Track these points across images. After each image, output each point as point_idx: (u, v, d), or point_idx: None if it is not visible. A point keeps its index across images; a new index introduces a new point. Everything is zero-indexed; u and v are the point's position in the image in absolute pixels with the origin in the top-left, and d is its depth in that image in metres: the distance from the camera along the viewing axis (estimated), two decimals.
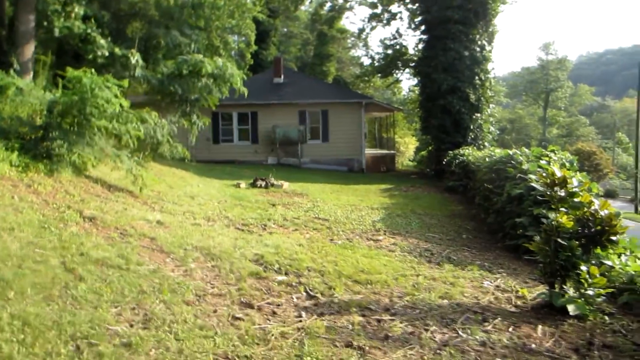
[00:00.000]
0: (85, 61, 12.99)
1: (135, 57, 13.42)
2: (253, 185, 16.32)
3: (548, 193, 6.11)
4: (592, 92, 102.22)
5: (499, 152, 14.01)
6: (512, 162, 11.29)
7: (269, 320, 4.63)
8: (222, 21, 40.15)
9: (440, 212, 13.70)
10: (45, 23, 13.58)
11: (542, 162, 10.69)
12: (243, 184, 16.26)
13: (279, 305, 5.10)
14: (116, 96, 9.69)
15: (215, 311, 4.69)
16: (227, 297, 5.12)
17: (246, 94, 15.29)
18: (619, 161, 69.52)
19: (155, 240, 6.71)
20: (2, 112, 9.75)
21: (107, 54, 13.06)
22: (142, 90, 16.05)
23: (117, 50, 13.30)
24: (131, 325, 4.07)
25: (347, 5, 39.92)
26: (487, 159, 13.69)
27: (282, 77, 29.04)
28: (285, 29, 62.62)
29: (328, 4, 42.11)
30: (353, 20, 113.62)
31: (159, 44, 17.05)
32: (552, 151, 11.59)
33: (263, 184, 16.31)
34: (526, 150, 12.30)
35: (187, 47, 16.31)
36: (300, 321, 4.66)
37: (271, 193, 15.07)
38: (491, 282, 6.73)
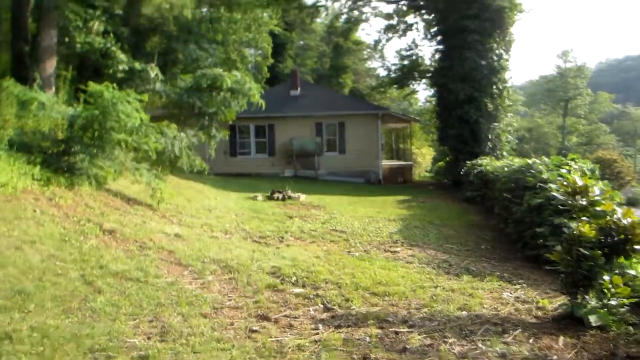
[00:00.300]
0: (106, 76, 13.20)
1: (155, 72, 13.61)
2: (270, 197, 16.37)
3: (569, 202, 6.04)
4: (612, 99, 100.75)
5: (517, 161, 13.87)
6: (532, 171, 11.17)
7: (286, 333, 4.62)
8: (239, 35, 40.67)
9: (458, 223, 13.58)
10: (66, 39, 13.88)
11: (562, 170, 10.59)
12: (260, 197, 16.32)
13: (295, 317, 5.09)
14: (137, 110, 9.84)
15: (232, 324, 4.69)
16: (244, 310, 5.12)
17: (263, 107, 15.37)
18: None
19: (173, 253, 6.76)
20: (25, 127, 9.94)
21: (126, 68, 13.27)
22: (160, 104, 16.25)
23: (136, 64, 13.52)
24: (149, 338, 4.10)
25: (363, 17, 40.05)
26: (505, 169, 13.56)
27: (299, 89, 29.17)
28: (302, 42, 62.99)
29: (344, 16, 42.27)
30: (369, 31, 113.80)
31: (177, 58, 17.30)
32: (573, 160, 11.44)
33: (280, 196, 16.34)
34: (545, 159, 12.17)
35: (205, 61, 16.50)
36: (317, 334, 4.64)
37: (288, 205, 15.09)
38: (511, 293, 6.64)
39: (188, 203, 12.62)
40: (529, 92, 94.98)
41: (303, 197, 17.01)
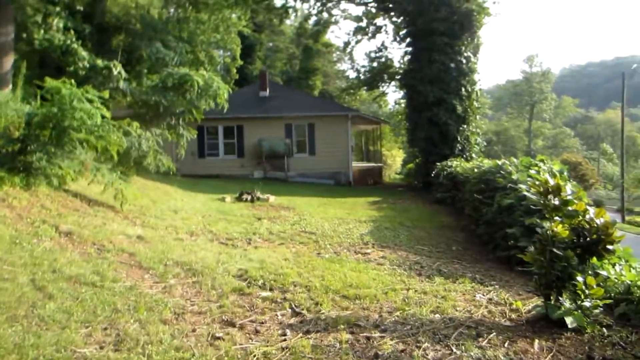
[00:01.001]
0: (67, 74, 12.67)
1: (118, 69, 13.14)
2: (239, 199, 16.04)
3: (541, 202, 5.89)
4: (575, 104, 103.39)
5: (487, 162, 13.88)
6: (502, 172, 11.16)
7: (251, 340, 4.35)
8: (207, 35, 40.15)
9: (429, 225, 13.50)
10: (24, 35, 13.29)
11: (532, 171, 10.58)
12: (228, 198, 15.98)
13: (262, 322, 4.82)
14: (97, 108, 9.43)
15: (194, 330, 4.40)
16: (208, 315, 4.83)
17: (226, 108, 15.05)
18: (604, 171, 70.03)
19: (134, 255, 6.42)
20: None
21: (88, 65, 12.77)
22: (125, 103, 15.77)
23: (99, 62, 13.02)
24: (101, 347, 3.78)
25: (332, 19, 39.97)
26: (475, 170, 13.54)
27: (268, 90, 28.87)
28: (271, 44, 62.72)
29: (313, 18, 42.13)
30: (338, 34, 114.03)
31: (142, 56, 16.78)
32: (541, 161, 11.46)
33: (249, 197, 16.03)
34: (515, 160, 12.17)
35: (172, 60, 16.07)
36: (285, 340, 4.38)
37: (257, 207, 14.80)
38: (484, 295, 6.51)
39: (153, 204, 12.21)
40: (496, 96, 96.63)
41: (272, 198, 16.72)
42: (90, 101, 9.17)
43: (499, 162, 12.05)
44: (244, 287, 5.77)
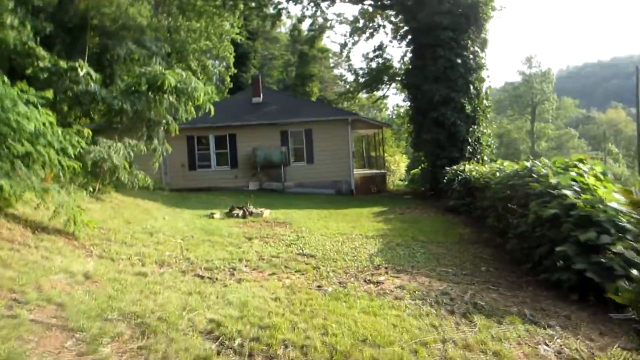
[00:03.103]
0: (25, 77, 10.95)
1: (84, 70, 11.40)
2: (229, 215, 14.29)
3: (635, 216, 4.14)
4: (576, 104, 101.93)
5: (510, 165, 12.15)
6: (534, 175, 9.40)
7: None
8: (199, 44, 38.65)
9: (446, 238, 11.71)
10: None
11: (572, 174, 8.85)
12: (218, 214, 14.21)
13: None
14: (47, 114, 7.70)
15: None
16: None
17: (212, 113, 13.30)
18: (612, 171, 68.19)
19: (62, 307, 4.64)
20: None
21: (48, 66, 11.03)
22: (98, 112, 14.05)
23: (61, 63, 11.28)
24: None
25: (328, 24, 38.36)
26: (497, 174, 11.81)
27: (262, 96, 27.10)
28: (266, 52, 61.29)
29: (307, 23, 40.57)
30: (334, 38, 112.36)
31: (114, 57, 15.06)
32: (580, 161, 9.68)
33: (240, 213, 14.27)
34: (546, 161, 10.43)
35: (148, 61, 14.30)
36: None
37: (249, 223, 13.03)
38: (548, 345, 4.75)
39: (125, 226, 10.43)
40: (495, 98, 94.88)
41: (267, 212, 14.95)
42: (33, 104, 7.42)
43: (527, 164, 10.31)
44: (211, 356, 3.97)
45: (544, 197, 8.41)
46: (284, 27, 65.90)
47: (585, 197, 7.38)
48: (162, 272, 6.76)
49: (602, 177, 9.10)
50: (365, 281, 7.18)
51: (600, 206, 7.21)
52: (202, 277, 6.76)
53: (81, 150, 11.45)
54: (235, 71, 47.40)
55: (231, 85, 47.59)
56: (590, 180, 8.23)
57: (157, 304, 5.08)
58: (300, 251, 9.14)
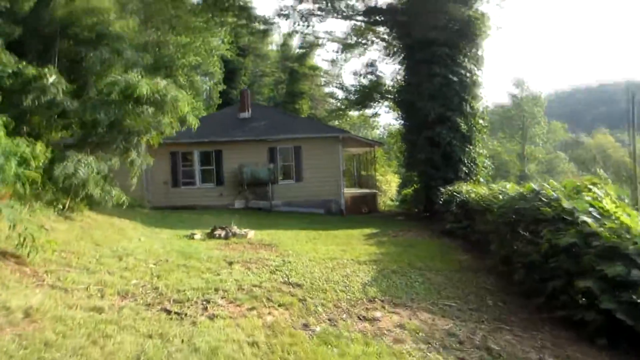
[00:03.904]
0: None
1: (52, 77, 10.45)
2: (210, 235, 13.28)
3: None
4: (565, 128, 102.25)
5: (512, 187, 11.32)
6: (543, 199, 8.55)
7: None
8: (188, 59, 37.95)
9: (444, 265, 10.78)
10: None
11: (587, 198, 8.02)
12: (199, 235, 13.21)
13: None
14: None
15: None
16: None
17: (194, 126, 12.38)
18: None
19: None
20: None
21: (11, 72, 10.08)
22: (76, 128, 13.08)
23: (30, 69, 10.34)
24: None
25: (318, 42, 37.74)
26: (500, 197, 10.95)
27: (249, 111, 26.21)
28: (257, 70, 60.72)
29: (297, 37, 39.96)
30: (325, 57, 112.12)
31: (88, 65, 14.08)
32: (594, 184, 8.83)
33: (223, 233, 13.26)
34: (555, 183, 9.59)
35: (129, 70, 13.36)
36: None
37: (231, 245, 12.04)
38: None
39: (93, 248, 9.42)
40: (486, 120, 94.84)
41: (252, 233, 13.96)
42: None
43: (535, 186, 9.46)
44: None
45: (557, 224, 7.57)
46: (275, 44, 65.54)
47: (610, 226, 6.52)
48: (122, 307, 5.76)
49: (617, 202, 8.28)
50: (359, 318, 6.23)
51: (627, 236, 6.37)
52: (169, 313, 5.77)
53: (47, 165, 10.55)
54: (225, 87, 46.72)
55: (220, 102, 46.93)
56: (610, 206, 7.38)
57: (105, 352, 4.11)
58: (286, 279, 8.17)
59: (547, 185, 9.15)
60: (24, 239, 6.86)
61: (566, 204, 7.70)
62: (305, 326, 5.64)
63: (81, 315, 5.13)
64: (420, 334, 5.64)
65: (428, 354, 4.97)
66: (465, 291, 8.34)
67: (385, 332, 5.68)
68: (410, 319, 6.28)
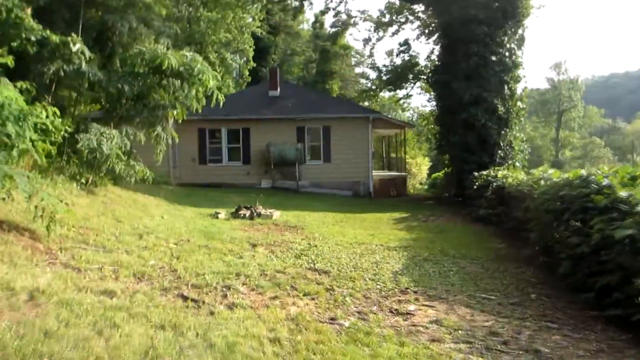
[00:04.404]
0: (11, 51, 9.65)
1: (77, 45, 10.05)
2: (235, 215, 12.92)
3: None
4: (601, 114, 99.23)
5: (556, 172, 10.56)
6: (593, 186, 7.84)
7: None
8: (218, 36, 37.50)
9: (479, 253, 10.17)
10: None
11: None
12: (223, 214, 12.85)
13: None
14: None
15: None
16: None
17: (221, 102, 11.90)
18: None
19: None
20: None
21: (38, 39, 9.68)
22: (97, 98, 12.75)
23: (53, 37, 9.96)
24: None
25: (351, 21, 36.81)
26: (542, 182, 10.23)
27: (279, 89, 25.68)
28: (288, 50, 59.94)
29: (330, 19, 39.23)
30: (357, 36, 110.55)
31: (115, 35, 13.66)
32: None
33: (247, 213, 12.89)
34: (606, 168, 8.86)
35: (156, 40, 12.88)
36: None
37: (256, 226, 11.64)
38: None
39: (114, 225, 9.08)
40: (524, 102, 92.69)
41: (277, 214, 13.57)
42: None
43: (583, 172, 8.72)
44: None
45: (611, 213, 6.86)
46: (306, 23, 64.67)
47: None
48: (136, 291, 5.35)
49: None
50: (391, 311, 5.71)
51: None
52: (185, 299, 5.34)
53: (68, 137, 10.22)
54: (255, 65, 46.18)
55: (249, 79, 46.45)
56: None
57: (109, 346, 3.68)
58: (312, 265, 7.70)
59: (598, 172, 8.43)
60: (43, 211, 6.49)
61: (622, 192, 7.00)
62: (333, 320, 5.15)
63: (90, 300, 4.72)
64: (459, 331, 5.10)
65: (470, 356, 4.43)
66: (505, 283, 7.75)
67: (421, 328, 5.15)
68: (447, 314, 5.74)
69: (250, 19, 42.82)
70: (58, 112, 7.85)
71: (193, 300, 5.29)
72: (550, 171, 11.33)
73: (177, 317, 4.61)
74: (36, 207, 6.56)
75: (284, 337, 4.37)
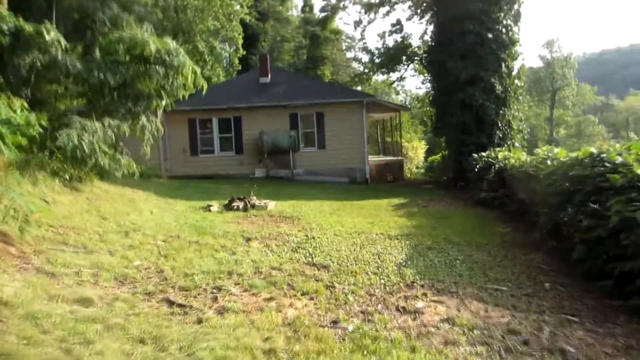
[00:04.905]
0: None
1: (52, 34, 9.45)
2: (228, 207, 12.37)
3: None
4: (594, 91, 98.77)
5: (561, 151, 10.06)
6: (607, 164, 7.34)
7: None
8: (206, 24, 36.67)
9: (485, 240, 9.68)
10: None
11: None
12: (215, 206, 12.31)
13: None
14: None
15: None
16: None
17: (204, 90, 11.34)
18: None
19: None
20: None
21: (9, 28, 9.08)
22: (76, 89, 12.11)
23: (26, 26, 9.35)
24: None
25: (341, 4, 36.04)
26: (549, 162, 9.75)
27: (270, 76, 25.02)
28: (277, 36, 59.02)
29: (320, 3, 38.55)
30: (347, 20, 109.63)
31: (94, 23, 13.01)
32: None
33: (241, 205, 12.35)
34: (617, 145, 8.37)
35: (138, 26, 12.21)
36: None
37: (250, 218, 11.12)
38: None
39: (98, 222, 8.55)
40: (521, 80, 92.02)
41: (272, 204, 13.04)
42: None
43: (594, 150, 8.22)
44: None
45: (629, 193, 6.38)
46: (295, 9, 63.70)
47: None
48: (116, 297, 4.83)
49: None
50: (397, 309, 5.22)
51: None
52: (171, 304, 4.83)
53: (50, 131, 9.65)
54: (244, 53, 45.38)
55: (240, 68, 45.67)
56: None
57: None
58: (310, 259, 7.19)
59: (611, 149, 7.93)
60: (14, 211, 5.96)
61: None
62: (334, 323, 4.64)
63: (61, 311, 4.20)
64: (474, 331, 4.61)
65: (486, 356, 3.94)
66: (515, 271, 7.26)
67: (432, 329, 4.66)
68: (459, 310, 5.25)
69: (238, 6, 41.98)
70: (26, 106, 7.26)
71: (179, 305, 4.78)
72: (556, 150, 10.84)
73: (160, 327, 4.10)
74: (6, 206, 6.03)
75: (280, 347, 3.86)
